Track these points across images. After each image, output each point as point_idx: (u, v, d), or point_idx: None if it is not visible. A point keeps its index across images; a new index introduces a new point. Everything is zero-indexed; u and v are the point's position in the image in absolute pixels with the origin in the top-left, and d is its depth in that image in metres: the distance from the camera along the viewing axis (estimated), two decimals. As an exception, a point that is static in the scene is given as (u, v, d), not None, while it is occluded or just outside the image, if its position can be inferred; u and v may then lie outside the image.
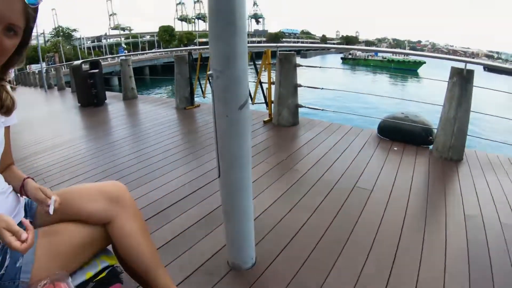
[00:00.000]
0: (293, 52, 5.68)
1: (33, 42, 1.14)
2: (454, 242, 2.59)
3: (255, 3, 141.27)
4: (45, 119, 8.89)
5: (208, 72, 1.56)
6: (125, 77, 9.31)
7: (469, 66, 4.40)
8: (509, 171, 4.25)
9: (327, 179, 3.56)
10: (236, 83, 1.53)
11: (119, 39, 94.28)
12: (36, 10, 0.97)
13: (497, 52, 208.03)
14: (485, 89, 5.03)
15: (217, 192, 3.03)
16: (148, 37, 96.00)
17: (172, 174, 3.74)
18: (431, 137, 4.83)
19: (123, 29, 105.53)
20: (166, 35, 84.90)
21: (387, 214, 2.93)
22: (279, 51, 5.56)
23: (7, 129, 1.26)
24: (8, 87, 1.14)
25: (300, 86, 5.59)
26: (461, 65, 4.42)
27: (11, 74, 1.15)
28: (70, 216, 1.29)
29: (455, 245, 2.55)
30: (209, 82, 1.77)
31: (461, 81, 4.34)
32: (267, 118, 5.82)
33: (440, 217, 2.97)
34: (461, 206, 3.21)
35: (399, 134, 4.97)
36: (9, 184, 1.28)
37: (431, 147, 4.79)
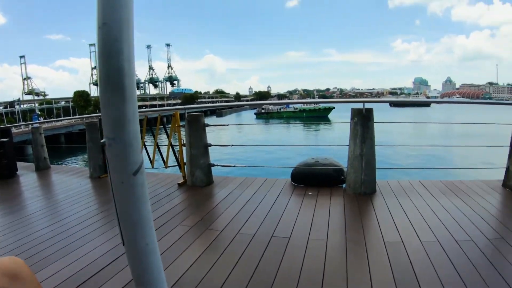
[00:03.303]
0: (201, 113, 5.78)
1: None
2: (378, 271, 2.72)
3: (169, 66, 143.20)
4: None
5: (101, 141, 1.54)
6: (36, 146, 8.64)
7: (368, 105, 4.83)
8: (421, 192, 4.69)
9: (245, 233, 3.57)
10: (128, 149, 1.52)
11: (33, 105, 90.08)
12: None
13: (400, 89, 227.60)
14: (385, 123, 5.48)
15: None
16: (63, 103, 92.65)
17: (90, 245, 3.55)
18: (343, 176, 5.07)
19: (37, 94, 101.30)
20: (81, 100, 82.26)
21: (307, 258, 3.00)
22: (187, 112, 5.63)
23: None
24: None
25: (211, 145, 5.65)
26: (360, 106, 4.81)
27: None
28: None
29: (379, 272, 2.69)
30: (103, 151, 1.74)
31: (362, 120, 4.71)
32: (181, 181, 5.75)
33: (361, 250, 3.11)
34: (380, 235, 3.40)
35: (312, 178, 5.17)
36: None
37: (344, 185, 5.03)
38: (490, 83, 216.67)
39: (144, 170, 1.47)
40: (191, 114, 5.62)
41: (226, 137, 31.80)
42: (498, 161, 5.26)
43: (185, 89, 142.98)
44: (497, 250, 3.11)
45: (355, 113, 4.82)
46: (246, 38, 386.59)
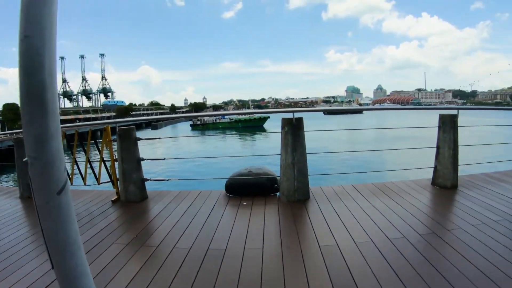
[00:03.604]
0: (132, 126, 5.64)
1: None
2: (315, 275, 2.81)
3: (103, 77, 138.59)
4: None
5: (24, 159, 1.47)
6: None
7: (298, 114, 5.02)
8: (354, 196, 4.93)
9: (181, 248, 3.53)
10: (51, 167, 1.47)
11: None
12: None
13: (333, 97, 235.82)
14: (317, 131, 5.73)
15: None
16: None
17: (22, 272, 3.29)
18: (276, 185, 5.16)
19: None
20: (11, 114, 76.90)
21: (244, 268, 3.02)
22: (118, 126, 5.49)
23: None
24: None
25: (143, 159, 5.53)
26: (290, 115, 4.96)
27: None
28: None
29: (317, 276, 2.79)
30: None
31: (293, 129, 4.83)
32: (115, 197, 5.54)
33: (297, 256, 3.19)
34: (315, 239, 3.51)
35: (246, 189, 5.22)
36: None
37: (278, 194, 5.12)
38: (419, 89, 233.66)
39: (69, 189, 1.43)
40: (122, 128, 5.47)
41: (161, 150, 31.27)
42: (428, 162, 5.62)
43: (118, 101, 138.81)
44: (430, 245, 3.34)
45: (286, 122, 4.97)
46: (182, 49, 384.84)
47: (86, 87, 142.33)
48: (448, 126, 5.30)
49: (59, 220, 1.64)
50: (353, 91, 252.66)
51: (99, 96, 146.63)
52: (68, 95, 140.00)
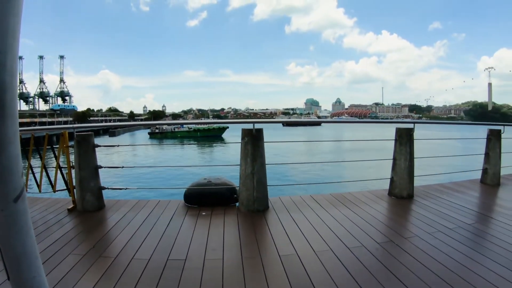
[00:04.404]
0: (91, 132, 5.48)
1: None
2: (276, 284, 2.83)
3: (61, 80, 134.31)
4: None
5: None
6: None
7: (258, 126, 5.03)
8: (313, 206, 5.02)
9: (139, 258, 3.45)
10: (7, 172, 1.40)
11: None
12: None
13: (292, 109, 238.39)
14: (276, 142, 5.73)
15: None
16: None
17: None
18: (236, 195, 5.15)
19: None
20: None
21: (204, 278, 3.00)
22: (76, 132, 5.29)
23: None
24: None
25: (101, 167, 5.37)
26: (250, 126, 4.98)
27: None
28: None
29: (277, 285, 2.81)
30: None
31: (252, 140, 4.87)
32: (71, 206, 5.34)
33: (257, 266, 3.20)
34: (274, 249, 3.53)
35: (205, 199, 5.18)
36: None
37: (237, 204, 5.12)
38: (376, 103, 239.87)
39: (26, 196, 1.37)
40: (80, 133, 5.29)
41: (119, 158, 30.62)
42: (384, 173, 5.78)
43: (68, 106, 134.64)
44: (387, 252, 3.43)
45: (246, 133, 4.99)
46: (144, 55, 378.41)
47: (44, 90, 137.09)
48: (405, 139, 5.50)
49: (15, 229, 1.56)
50: (312, 104, 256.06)
51: (57, 99, 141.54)
52: (24, 97, 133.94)
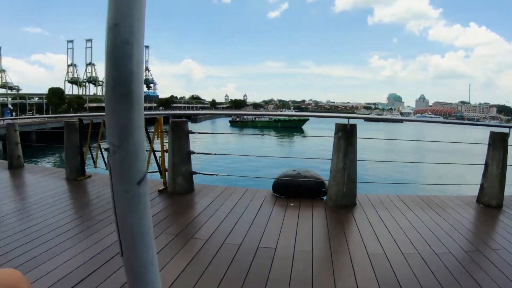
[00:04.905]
0: (185, 119, 5.72)
1: None
2: (364, 282, 2.77)
3: (146, 68, 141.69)
4: None
5: (105, 146, 1.49)
6: (11, 143, 8.27)
7: (352, 121, 4.94)
8: (400, 206, 4.84)
9: (231, 243, 3.54)
10: (134, 157, 1.48)
11: (5, 99, 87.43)
12: None
13: (374, 104, 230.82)
14: (367, 139, 5.59)
15: (117, 272, 2.85)
16: (36, 99, 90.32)
17: (67, 254, 3.27)
18: (324, 189, 5.11)
19: (11, 88, 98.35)
20: (56, 98, 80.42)
21: (295, 268, 3.01)
22: (172, 118, 5.57)
23: None
24: None
25: (194, 153, 5.59)
26: (344, 121, 4.90)
27: None
28: None
29: (366, 284, 2.74)
30: (103, 156, 1.67)
31: (346, 135, 4.81)
32: (162, 187, 5.65)
33: (346, 261, 3.17)
34: (363, 246, 3.47)
35: (293, 190, 5.19)
36: None
37: (325, 198, 5.11)
38: (463, 102, 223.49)
39: (147, 180, 1.43)
40: (176, 120, 5.55)
41: (201, 143, 31.49)
42: (471, 178, 5.44)
43: (153, 92, 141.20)
44: (475, 263, 3.24)
45: (340, 128, 4.93)
46: (226, 46, 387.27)
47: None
48: (499, 144, 5.10)
49: (136, 209, 1.66)
50: (395, 99, 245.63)
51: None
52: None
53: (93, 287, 2.70)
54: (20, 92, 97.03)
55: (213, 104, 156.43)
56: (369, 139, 5.92)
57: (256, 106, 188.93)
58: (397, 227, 4.08)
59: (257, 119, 69.71)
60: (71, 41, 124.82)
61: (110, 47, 1.06)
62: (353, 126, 4.93)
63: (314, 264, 3.09)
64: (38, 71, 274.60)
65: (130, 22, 1.02)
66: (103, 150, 6.84)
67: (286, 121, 65.72)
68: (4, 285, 1.17)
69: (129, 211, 1.63)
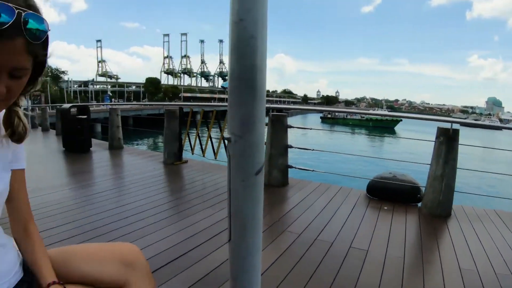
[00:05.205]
0: (285, 113, 5.83)
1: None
2: None
3: (221, 61, 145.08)
4: (29, 160, 8.46)
5: (226, 136, 1.57)
6: (112, 126, 9.20)
7: (453, 125, 4.71)
8: (496, 223, 4.47)
9: (323, 240, 3.56)
10: (254, 148, 1.54)
11: (105, 86, 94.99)
12: (42, 44, 0.84)
13: (472, 107, 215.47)
14: (470, 146, 5.38)
15: (209, 256, 3.02)
16: (134, 87, 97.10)
17: (157, 235, 3.48)
18: (419, 195, 4.94)
19: (110, 77, 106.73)
20: (152, 87, 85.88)
21: (385, 273, 2.95)
22: (272, 112, 5.68)
23: (18, 173, 1.15)
24: (21, 112, 1.02)
25: (291, 147, 5.68)
26: (447, 125, 4.69)
27: (24, 100, 1.02)
28: (71, 279, 1.17)
29: None
30: (225, 146, 1.77)
31: (448, 140, 4.57)
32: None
33: (437, 273, 3.03)
34: (455, 260, 3.30)
35: (388, 193, 5.07)
36: (20, 254, 1.16)
37: (419, 204, 4.92)
38: None
39: (264, 171, 1.49)
40: (276, 114, 5.68)
41: (290, 137, 31.46)
42: None
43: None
44: None
45: (442, 132, 4.69)
46: (318, 41, 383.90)
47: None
48: None
49: (250, 198, 1.73)
50: (494, 103, 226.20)
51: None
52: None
53: (183, 268, 2.83)
54: (119, 80, 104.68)
55: (305, 99, 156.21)
56: (471, 146, 5.56)
57: (348, 103, 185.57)
58: (492, 245, 3.77)
59: (348, 116, 68.58)
60: (167, 35, 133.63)
61: (235, 41, 1.12)
62: (456, 131, 4.66)
63: (404, 272, 3.01)
64: (135, 62, 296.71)
65: (254, 17, 1.07)
66: (202, 138, 7.18)
67: (378, 120, 63.93)
68: (126, 259, 1.29)
69: (243, 200, 1.71)
